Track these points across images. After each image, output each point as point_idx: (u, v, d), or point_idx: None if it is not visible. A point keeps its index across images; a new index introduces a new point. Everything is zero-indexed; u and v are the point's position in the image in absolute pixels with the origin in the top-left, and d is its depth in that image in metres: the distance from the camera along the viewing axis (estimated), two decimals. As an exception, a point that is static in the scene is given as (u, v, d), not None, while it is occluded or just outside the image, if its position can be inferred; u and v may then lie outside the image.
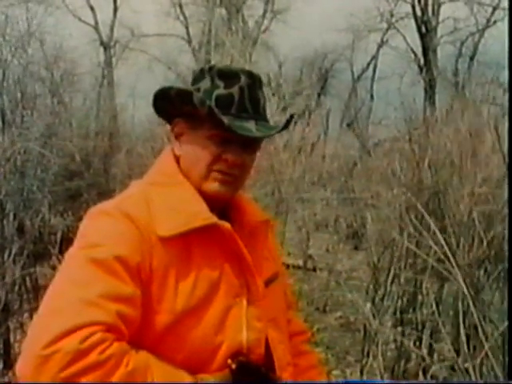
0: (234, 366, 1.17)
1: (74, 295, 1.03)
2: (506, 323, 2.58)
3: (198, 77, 1.31)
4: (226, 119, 1.20)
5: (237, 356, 1.19)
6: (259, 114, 1.28)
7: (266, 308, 1.29)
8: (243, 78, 1.26)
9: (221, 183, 1.26)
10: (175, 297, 1.15)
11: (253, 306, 1.25)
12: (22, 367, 0.98)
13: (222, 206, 1.33)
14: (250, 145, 1.28)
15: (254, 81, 1.29)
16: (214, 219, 1.21)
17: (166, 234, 1.16)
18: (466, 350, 2.84)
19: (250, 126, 1.23)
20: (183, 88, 1.27)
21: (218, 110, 1.21)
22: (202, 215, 1.21)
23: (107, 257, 1.08)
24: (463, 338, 2.78)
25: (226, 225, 1.23)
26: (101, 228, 1.17)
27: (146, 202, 1.21)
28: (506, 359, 2.54)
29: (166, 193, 1.25)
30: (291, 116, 1.35)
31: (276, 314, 1.35)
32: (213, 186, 1.26)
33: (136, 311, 1.08)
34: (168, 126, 1.39)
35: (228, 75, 1.27)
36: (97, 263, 1.07)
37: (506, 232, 3.32)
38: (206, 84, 1.27)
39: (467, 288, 2.68)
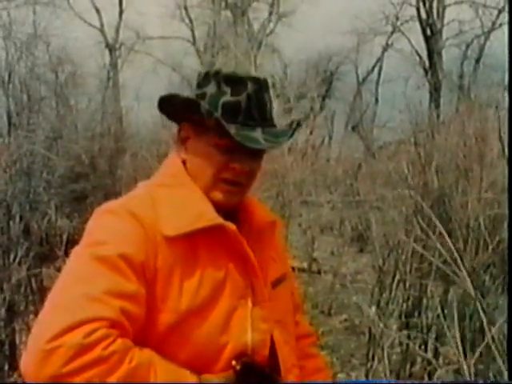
0: (238, 367, 1.17)
1: (78, 291, 1.04)
2: (506, 324, 2.58)
3: (204, 81, 1.30)
4: (232, 128, 1.20)
5: (241, 357, 1.19)
6: (266, 121, 1.27)
7: (272, 309, 1.29)
8: (250, 85, 1.26)
9: (228, 194, 1.27)
10: (180, 296, 1.15)
11: (258, 307, 1.26)
12: (25, 361, 0.99)
13: (229, 208, 1.33)
14: (257, 152, 1.28)
15: (261, 86, 1.28)
16: (219, 220, 1.22)
17: (171, 234, 1.17)
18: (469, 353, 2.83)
19: (257, 136, 1.23)
20: (190, 98, 1.26)
21: (225, 118, 1.21)
22: (208, 216, 1.22)
23: (112, 254, 1.09)
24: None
25: (232, 226, 1.23)
26: (106, 226, 1.18)
27: (152, 202, 1.22)
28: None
29: (172, 193, 1.26)
30: (298, 123, 1.33)
31: (282, 315, 1.35)
32: (220, 196, 1.27)
33: (140, 309, 1.09)
34: (174, 129, 1.39)
35: (235, 81, 1.26)
36: (101, 260, 1.08)
37: (507, 233, 3.32)
38: (211, 89, 1.27)
39: (474, 291, 2.67)
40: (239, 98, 1.25)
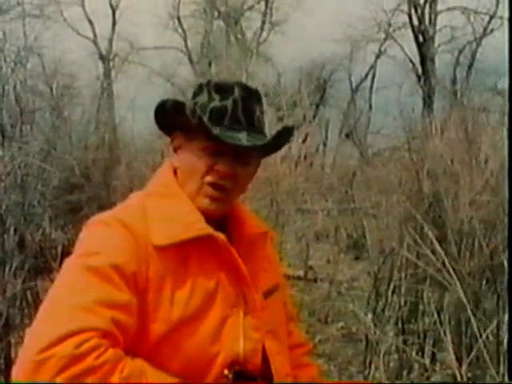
0: (230, 376, 1.17)
1: (70, 301, 1.04)
2: (506, 323, 2.58)
3: (197, 92, 1.33)
4: (216, 130, 1.22)
5: (233, 366, 1.19)
6: (253, 127, 1.29)
7: (264, 319, 1.29)
8: (237, 91, 1.28)
9: (212, 199, 1.27)
10: (171, 306, 1.16)
11: (250, 316, 1.26)
12: (17, 372, 0.99)
13: (220, 217, 1.34)
14: (243, 156, 1.28)
15: (250, 94, 1.30)
16: (208, 230, 1.22)
17: (161, 244, 1.18)
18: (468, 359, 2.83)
19: (241, 137, 1.24)
20: (178, 100, 1.28)
21: (211, 122, 1.23)
22: (198, 226, 1.22)
23: (103, 265, 1.09)
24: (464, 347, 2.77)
25: (221, 236, 1.23)
26: (98, 237, 1.19)
27: (143, 213, 1.23)
28: (506, 365, 2.53)
29: (162, 203, 1.27)
30: (286, 129, 1.34)
31: (275, 325, 1.35)
32: (204, 201, 1.27)
33: (131, 319, 1.09)
34: (168, 139, 1.40)
35: (224, 88, 1.29)
36: (93, 271, 1.08)
37: (507, 236, 3.32)
38: (203, 98, 1.29)
39: (466, 297, 2.68)
40: (226, 103, 1.27)
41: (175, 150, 1.35)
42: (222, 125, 1.24)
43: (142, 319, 1.12)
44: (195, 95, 1.32)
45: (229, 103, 1.27)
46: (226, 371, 1.18)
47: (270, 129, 1.36)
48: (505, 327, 2.87)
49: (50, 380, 0.95)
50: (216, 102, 1.27)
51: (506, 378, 2.44)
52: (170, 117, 1.31)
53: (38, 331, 1.03)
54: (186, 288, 1.18)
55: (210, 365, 1.18)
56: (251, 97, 1.30)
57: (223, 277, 1.24)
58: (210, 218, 1.27)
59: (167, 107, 1.29)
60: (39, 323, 1.04)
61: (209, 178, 1.26)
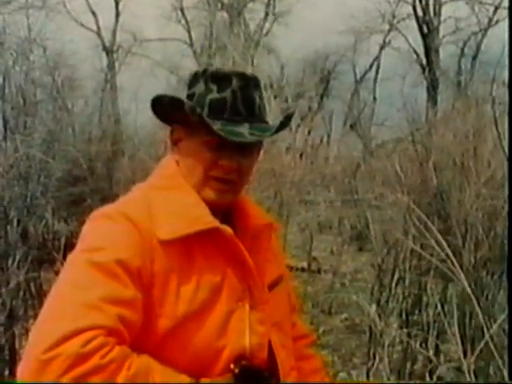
0: (236, 371, 1.16)
1: (75, 299, 1.03)
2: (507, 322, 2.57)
3: (193, 81, 1.30)
4: (218, 125, 1.19)
5: (239, 360, 1.18)
6: (254, 116, 1.26)
7: (269, 312, 1.28)
8: (235, 81, 1.25)
9: (218, 192, 1.25)
10: (177, 301, 1.14)
11: (255, 310, 1.24)
12: (22, 370, 0.98)
13: (225, 209, 1.32)
14: (246, 148, 1.27)
15: (248, 82, 1.27)
16: (215, 223, 1.20)
17: (166, 238, 1.16)
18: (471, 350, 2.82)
19: (243, 130, 1.22)
20: (175, 96, 1.25)
21: (211, 115, 1.21)
22: (204, 219, 1.20)
23: (108, 260, 1.08)
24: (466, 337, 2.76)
25: (228, 229, 1.21)
26: (102, 231, 1.17)
27: (148, 206, 1.21)
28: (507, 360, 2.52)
29: (167, 196, 1.24)
30: (286, 117, 1.32)
31: (280, 317, 1.34)
32: (211, 194, 1.25)
33: (137, 315, 1.08)
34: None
35: (221, 78, 1.25)
36: (98, 267, 1.07)
37: (506, 230, 3.31)
38: (199, 88, 1.26)
39: (471, 288, 2.67)
40: (224, 95, 1.24)
41: (175, 142, 1.32)
42: (222, 118, 1.22)
43: (147, 315, 1.11)
44: (191, 85, 1.29)
45: (228, 95, 1.24)
46: (232, 365, 1.16)
47: (275, 120, 1.34)
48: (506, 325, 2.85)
49: (56, 379, 0.94)
50: (214, 94, 1.24)
51: (506, 377, 2.43)
52: (167, 112, 1.29)
53: (43, 328, 1.01)
54: (191, 282, 1.16)
55: (216, 359, 1.17)
56: (249, 85, 1.27)
57: (229, 270, 1.23)
58: (216, 210, 1.25)
59: (164, 103, 1.26)
60: (44, 320, 1.03)
61: (214, 173, 1.24)
